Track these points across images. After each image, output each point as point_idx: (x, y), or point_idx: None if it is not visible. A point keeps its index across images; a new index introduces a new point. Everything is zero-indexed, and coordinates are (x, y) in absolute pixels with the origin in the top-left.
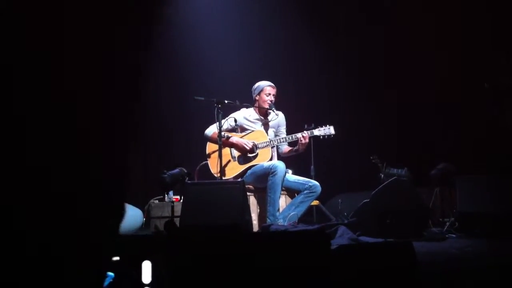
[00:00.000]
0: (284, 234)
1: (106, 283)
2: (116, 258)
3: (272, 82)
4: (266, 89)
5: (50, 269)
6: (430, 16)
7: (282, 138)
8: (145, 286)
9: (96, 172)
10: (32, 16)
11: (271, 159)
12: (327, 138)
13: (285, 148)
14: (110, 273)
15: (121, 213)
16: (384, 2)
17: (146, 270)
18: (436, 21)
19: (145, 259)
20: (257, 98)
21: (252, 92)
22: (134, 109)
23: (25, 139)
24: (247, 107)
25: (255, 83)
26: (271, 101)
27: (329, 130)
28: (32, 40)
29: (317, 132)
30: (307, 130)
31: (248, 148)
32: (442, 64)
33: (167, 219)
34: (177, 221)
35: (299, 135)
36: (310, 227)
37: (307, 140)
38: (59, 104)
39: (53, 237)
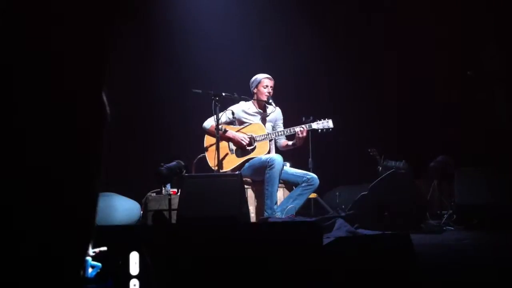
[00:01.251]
0: (278, 225)
1: (93, 273)
2: (104, 249)
3: (270, 75)
4: (263, 81)
5: (50, 269)
6: (431, 13)
7: (280, 131)
8: (132, 278)
9: (96, 173)
10: (32, 16)
11: (268, 152)
12: (325, 132)
13: (283, 142)
14: (97, 264)
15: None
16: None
17: (134, 261)
18: (436, 19)
19: (133, 250)
20: (255, 91)
21: (250, 85)
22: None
23: (25, 139)
24: (246, 100)
25: (253, 75)
26: (269, 93)
27: (328, 123)
28: (32, 40)
29: (315, 125)
30: (305, 123)
31: (244, 143)
32: (442, 58)
33: (156, 210)
34: (174, 214)
35: (297, 128)
36: (308, 220)
37: (304, 134)
38: (59, 104)
39: (53, 237)
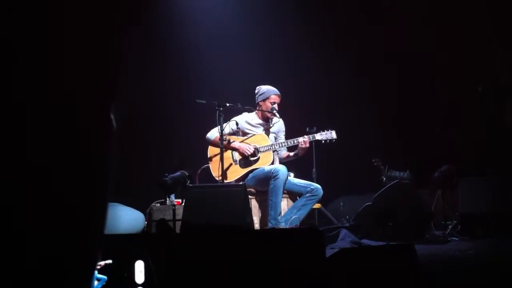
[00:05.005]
0: (281, 232)
1: (99, 285)
2: (109, 261)
3: (273, 86)
4: (272, 97)
5: (50, 270)
6: (430, 15)
7: (284, 142)
8: (138, 286)
9: (96, 173)
10: (32, 15)
11: (272, 163)
12: (328, 143)
13: (284, 153)
14: (103, 276)
15: (104, 210)
16: (383, 2)
17: (139, 270)
18: (436, 21)
19: (138, 259)
20: (261, 103)
21: (255, 95)
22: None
23: (25, 139)
24: (249, 111)
25: (256, 86)
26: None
27: (331, 134)
28: (32, 40)
29: (319, 136)
30: (309, 133)
31: (249, 152)
32: (442, 65)
33: (160, 219)
34: (178, 224)
35: (300, 139)
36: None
37: (307, 145)
38: (59, 104)
39: (53, 237)
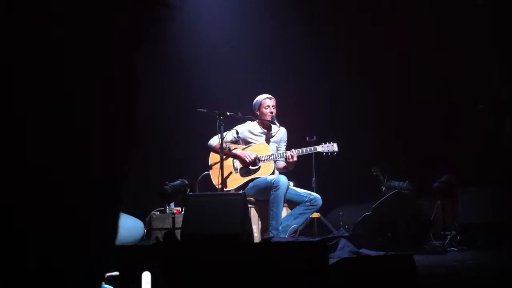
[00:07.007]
0: (284, 244)
1: None
2: (116, 273)
3: (274, 94)
4: (264, 102)
5: (50, 270)
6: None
7: (278, 154)
8: None
9: (96, 173)
10: (32, 16)
11: (273, 173)
12: (330, 155)
13: (281, 163)
14: (109, 287)
15: (115, 221)
16: (383, 4)
17: (146, 281)
18: (436, 31)
19: (145, 270)
20: (258, 112)
21: (253, 107)
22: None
23: (25, 139)
24: (251, 120)
25: (257, 95)
26: (271, 112)
27: (333, 147)
28: (32, 40)
29: (320, 148)
30: (308, 143)
31: (249, 160)
32: (443, 77)
33: (167, 230)
34: (177, 233)
35: (288, 153)
36: (312, 240)
37: (295, 159)
38: (59, 104)
39: (53, 238)
